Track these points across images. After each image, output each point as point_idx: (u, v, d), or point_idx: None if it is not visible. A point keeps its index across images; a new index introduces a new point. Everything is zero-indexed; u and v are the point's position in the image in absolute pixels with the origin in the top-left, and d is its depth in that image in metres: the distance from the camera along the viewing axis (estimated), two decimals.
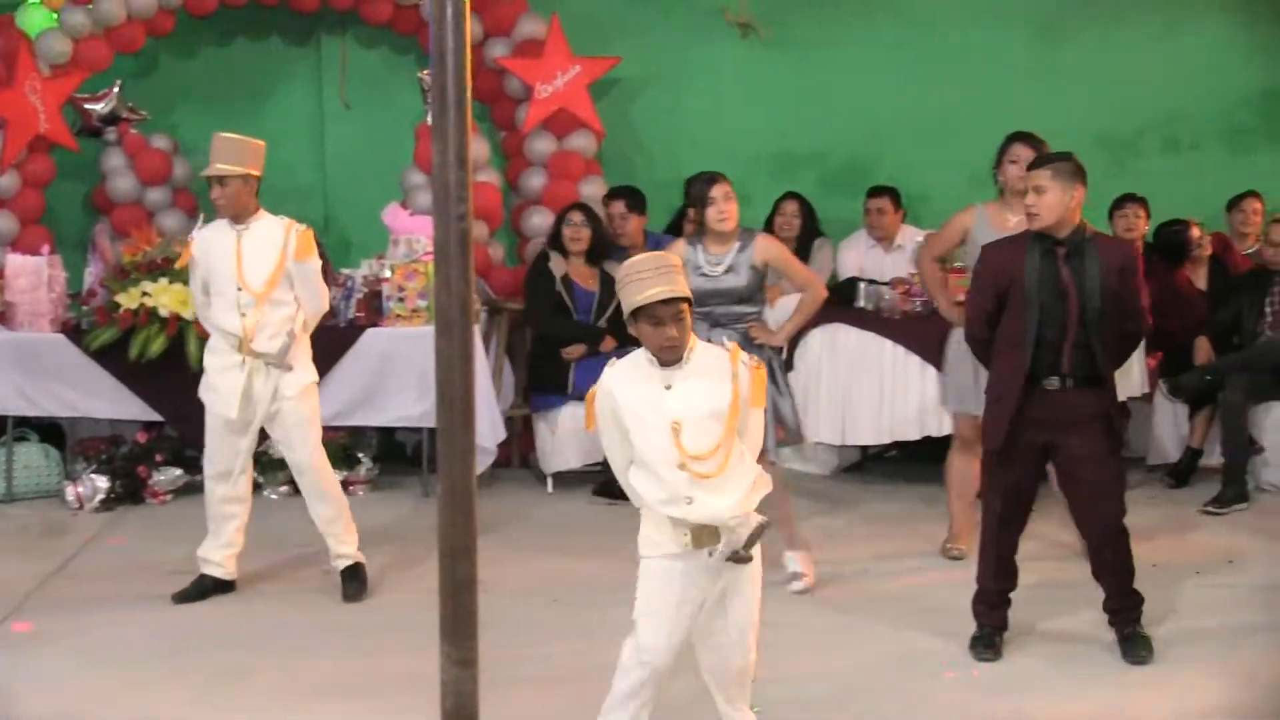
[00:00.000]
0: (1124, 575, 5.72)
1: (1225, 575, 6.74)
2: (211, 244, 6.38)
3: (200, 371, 6.54)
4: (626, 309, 4.13)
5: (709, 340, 6.42)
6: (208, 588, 6.47)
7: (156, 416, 8.13)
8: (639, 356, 4.19)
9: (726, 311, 6.46)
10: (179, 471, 8.18)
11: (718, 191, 6.42)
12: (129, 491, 8.11)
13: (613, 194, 8.90)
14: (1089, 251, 5.51)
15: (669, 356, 4.11)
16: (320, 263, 6.48)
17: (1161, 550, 7.07)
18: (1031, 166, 5.67)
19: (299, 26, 9.71)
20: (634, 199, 8.78)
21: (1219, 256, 8.89)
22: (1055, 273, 5.49)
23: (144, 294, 7.93)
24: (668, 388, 4.11)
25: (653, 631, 4.24)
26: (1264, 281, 8.30)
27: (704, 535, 4.13)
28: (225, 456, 6.42)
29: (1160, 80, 9.87)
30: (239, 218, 6.31)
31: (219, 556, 6.49)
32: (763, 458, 6.48)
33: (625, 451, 4.21)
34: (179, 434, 8.13)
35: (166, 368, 7.89)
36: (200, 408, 6.47)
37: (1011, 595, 5.77)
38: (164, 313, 7.90)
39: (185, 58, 9.75)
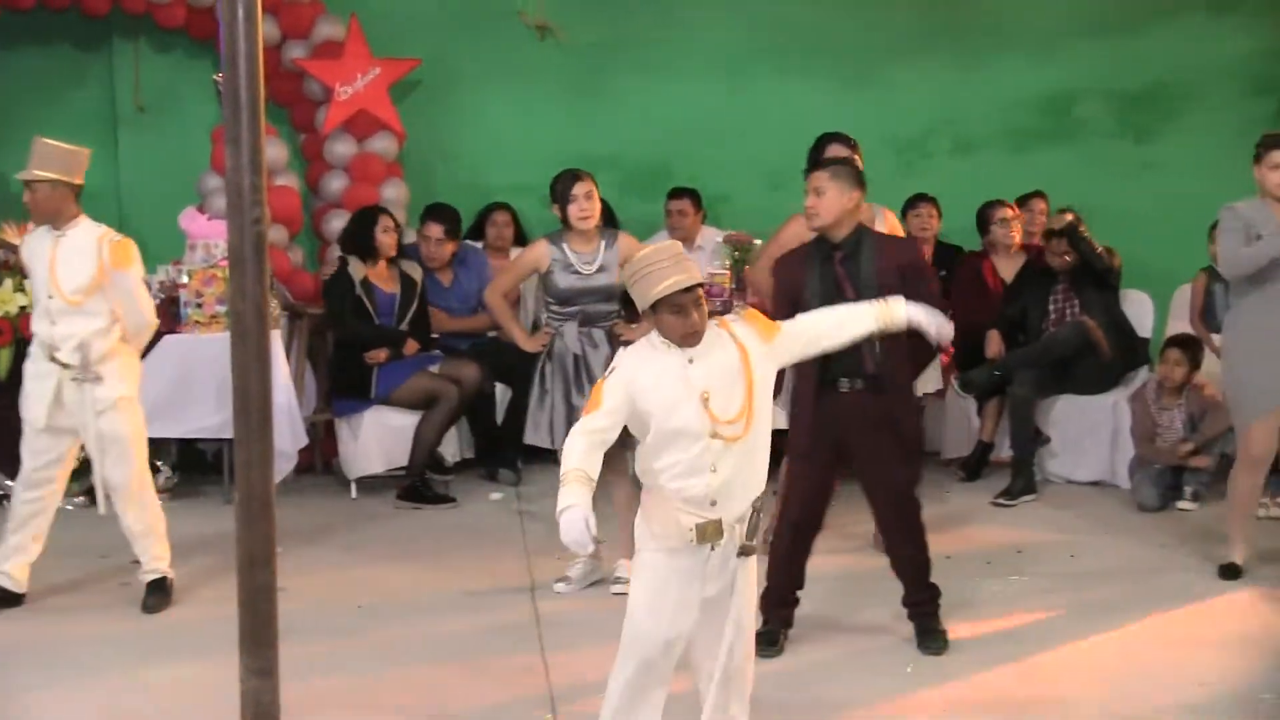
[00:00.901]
0: (921, 569, 5.85)
1: (1015, 565, 6.93)
2: (34, 249, 6.32)
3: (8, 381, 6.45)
4: (645, 301, 4.13)
5: (581, 340, 6.48)
6: None
7: None
8: (651, 340, 4.21)
9: (597, 309, 6.52)
10: None
11: (580, 189, 6.46)
12: None
13: (432, 215, 8.80)
14: (865, 252, 5.63)
15: (692, 342, 4.15)
16: (142, 273, 6.37)
17: (954, 542, 7.25)
18: (809, 170, 5.79)
19: (90, 31, 9.48)
20: (453, 224, 8.74)
21: (1037, 253, 9.02)
22: (833, 276, 5.61)
23: None
24: (690, 362, 4.14)
25: (650, 623, 4.21)
26: (1045, 280, 8.55)
27: (709, 530, 4.14)
28: (35, 462, 6.29)
29: (945, 83, 10.12)
30: (55, 223, 6.22)
31: (9, 565, 6.32)
32: (621, 467, 6.51)
33: (604, 424, 4.14)
34: None
35: None
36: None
37: (799, 595, 5.86)
38: None
39: None
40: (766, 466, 4.23)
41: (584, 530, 3.99)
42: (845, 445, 5.70)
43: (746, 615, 4.31)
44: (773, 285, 6.02)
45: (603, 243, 6.53)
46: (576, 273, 6.47)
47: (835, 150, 6.74)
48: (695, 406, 4.08)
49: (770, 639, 5.75)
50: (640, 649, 4.24)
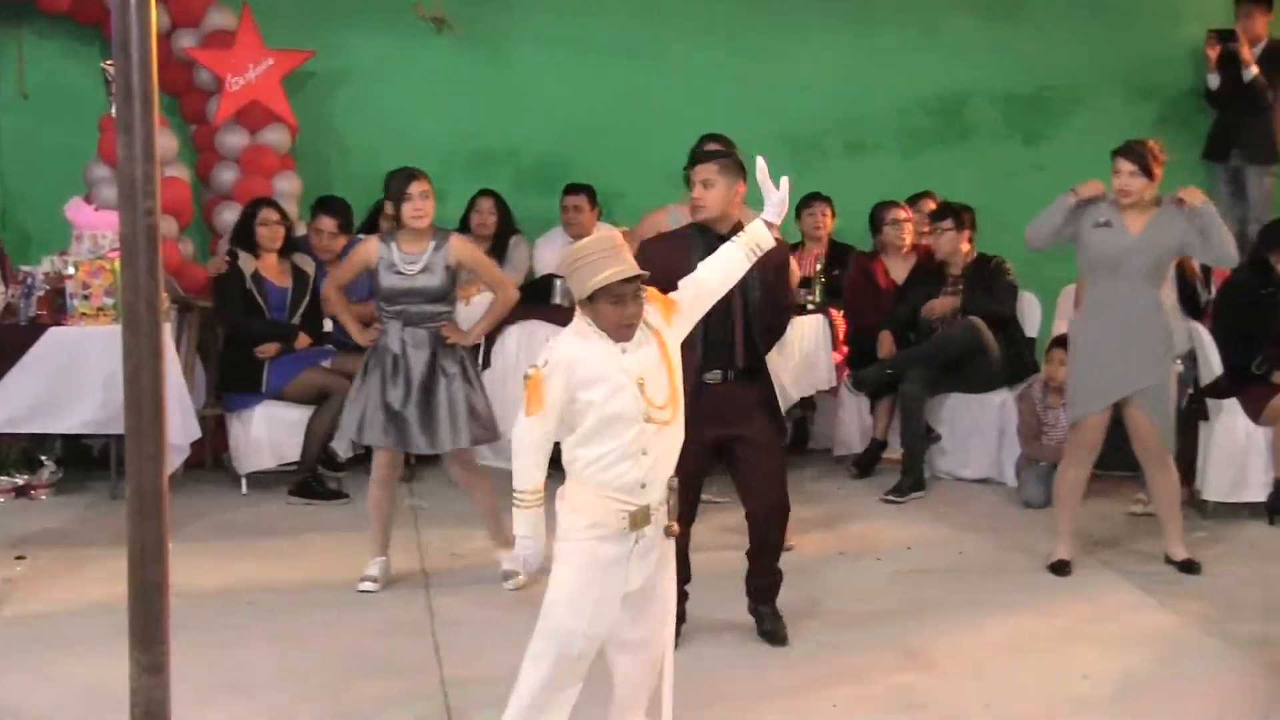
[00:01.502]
0: (775, 553, 5.92)
1: (905, 561, 7.02)
2: None
3: None
4: (583, 291, 4.11)
5: (403, 339, 6.43)
6: None
7: None
8: (580, 330, 4.18)
9: (420, 311, 6.43)
10: None
11: (415, 189, 6.39)
12: None
13: (323, 208, 8.69)
14: None
15: (627, 335, 4.15)
16: None
17: (847, 539, 7.34)
18: (695, 162, 5.81)
19: None
20: (345, 218, 8.66)
21: (927, 252, 9.12)
22: None
23: None
24: (623, 350, 4.15)
25: (571, 617, 4.20)
26: (936, 278, 8.64)
27: (639, 516, 4.16)
28: None
29: (842, 83, 10.21)
30: None
31: None
32: (472, 457, 6.53)
33: (552, 423, 4.17)
34: None
35: None
36: None
37: (687, 589, 5.89)
38: None
39: None
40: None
41: (541, 562, 4.25)
42: (717, 437, 5.73)
43: (669, 605, 4.35)
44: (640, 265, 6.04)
45: (432, 244, 6.45)
46: (399, 273, 6.40)
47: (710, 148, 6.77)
48: (633, 392, 4.11)
49: None
50: (558, 643, 4.24)
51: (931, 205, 9.34)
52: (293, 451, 8.12)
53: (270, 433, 8.15)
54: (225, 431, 8.39)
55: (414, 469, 8.35)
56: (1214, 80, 10.11)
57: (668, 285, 5.63)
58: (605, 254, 4.10)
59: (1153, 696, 5.31)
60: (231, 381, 8.26)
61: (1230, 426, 7.63)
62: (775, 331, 6.05)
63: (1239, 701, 5.26)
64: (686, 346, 5.56)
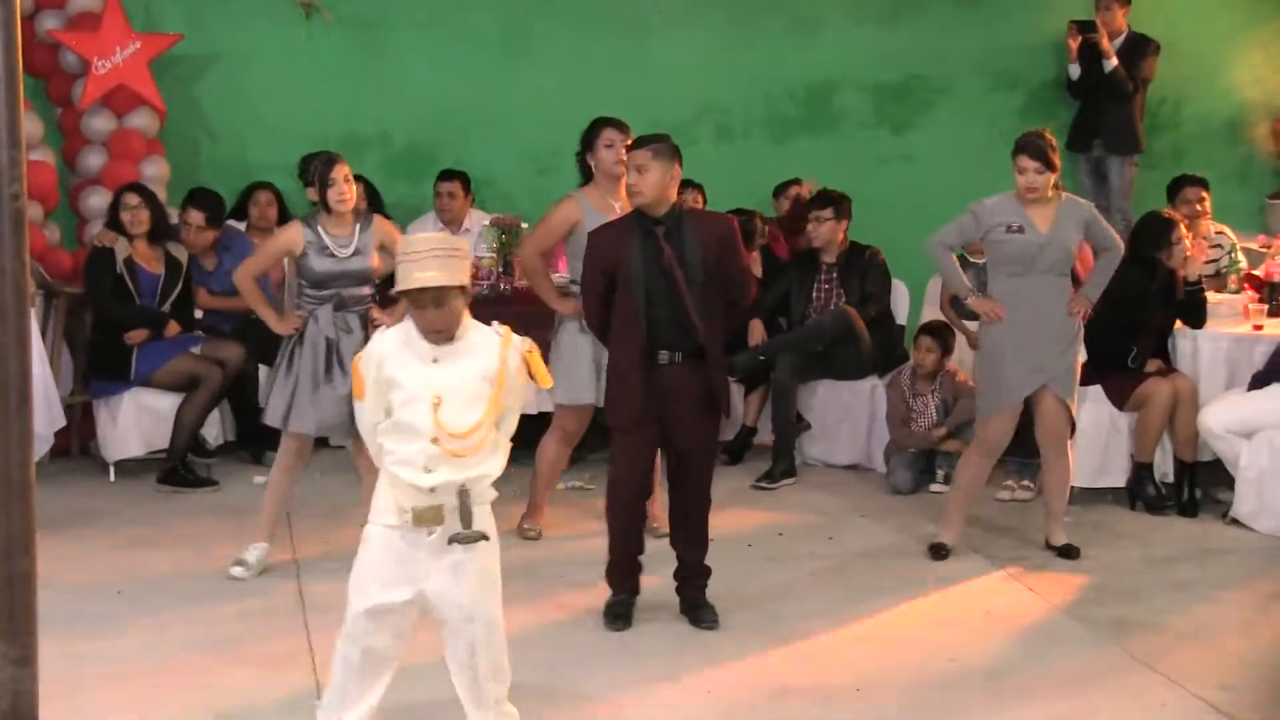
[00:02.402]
0: (703, 544, 6.00)
1: (776, 547, 7.10)
2: None
3: None
4: (396, 286, 4.07)
5: (335, 324, 6.39)
6: None
7: None
8: (406, 326, 4.14)
9: (351, 293, 6.42)
10: None
11: (339, 173, 6.37)
12: None
13: (193, 202, 8.58)
14: (687, 228, 5.76)
15: (435, 340, 4.09)
16: None
17: (717, 525, 7.30)
18: (631, 148, 5.88)
19: None
20: (215, 212, 8.55)
21: (767, 244, 9.31)
22: (658, 251, 5.70)
23: None
24: (434, 361, 4.07)
25: (356, 597, 4.18)
26: (811, 266, 8.73)
27: (426, 515, 4.09)
28: None
29: (711, 71, 10.27)
30: None
31: None
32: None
33: (378, 413, 4.15)
34: None
35: None
36: None
37: (642, 560, 5.97)
38: None
39: None
40: (497, 470, 4.21)
41: None
42: (665, 415, 5.80)
43: (485, 610, 4.28)
44: (584, 257, 6.08)
45: (357, 225, 6.44)
46: (332, 255, 6.38)
47: (609, 135, 6.79)
48: (424, 409, 4.04)
49: (621, 612, 5.88)
50: (347, 624, 4.24)
51: (801, 192, 9.45)
52: (161, 439, 8.02)
53: (139, 420, 8.04)
54: (92, 419, 8.27)
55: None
56: (1075, 71, 10.32)
57: (612, 272, 5.73)
58: (428, 257, 4.03)
59: (1018, 678, 5.42)
60: (99, 368, 8.13)
61: (1095, 413, 7.78)
62: (736, 306, 6.11)
63: (1099, 682, 5.39)
64: (630, 325, 5.66)
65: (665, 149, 5.78)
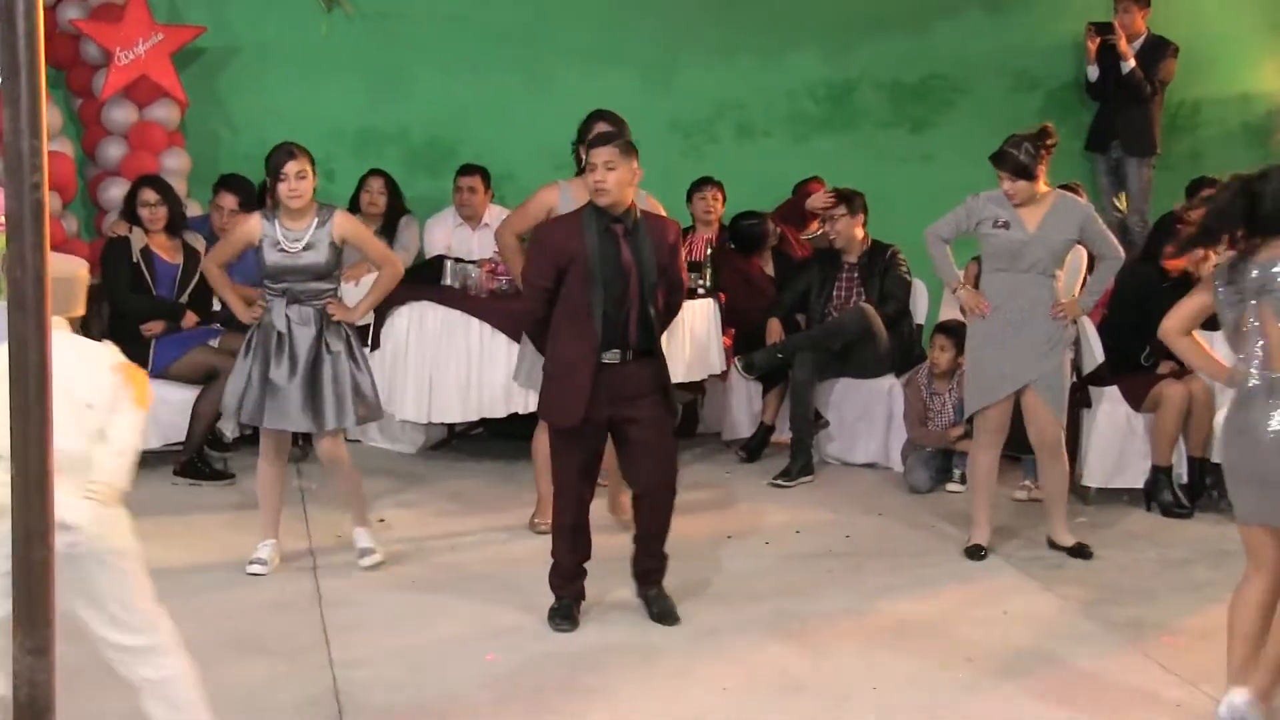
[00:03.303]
0: (662, 537, 5.96)
1: (793, 544, 7.09)
2: None
3: None
4: None
5: (288, 317, 6.36)
6: None
7: None
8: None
9: (305, 288, 6.38)
10: None
11: (291, 168, 6.29)
12: None
13: (227, 186, 8.60)
14: (641, 229, 5.75)
15: None
16: None
17: (735, 522, 7.39)
18: (594, 144, 5.81)
19: None
20: (248, 196, 8.56)
21: (780, 244, 9.30)
22: (616, 250, 5.68)
23: None
24: None
25: None
26: (832, 264, 8.72)
27: None
28: None
29: (731, 69, 10.26)
30: None
31: None
32: (338, 435, 6.51)
33: None
34: None
35: None
36: None
37: (586, 566, 5.94)
38: None
39: None
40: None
41: None
42: (614, 415, 5.78)
43: (110, 615, 4.17)
44: (530, 249, 6.08)
45: (315, 220, 6.40)
46: (283, 250, 6.34)
47: (603, 128, 6.77)
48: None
49: (566, 614, 5.85)
50: None
51: (820, 190, 9.45)
52: (178, 431, 8.02)
53: (155, 412, 7.97)
54: None
55: (304, 450, 8.29)
56: (1093, 72, 10.30)
57: (565, 267, 5.70)
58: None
59: (1034, 678, 5.41)
60: None
61: (1111, 414, 7.78)
62: (672, 310, 6.10)
63: (1116, 682, 5.38)
64: (581, 323, 5.63)
65: (629, 147, 5.74)
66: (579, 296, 5.69)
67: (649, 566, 5.98)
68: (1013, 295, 6.74)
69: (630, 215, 5.74)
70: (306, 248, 6.36)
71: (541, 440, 7.05)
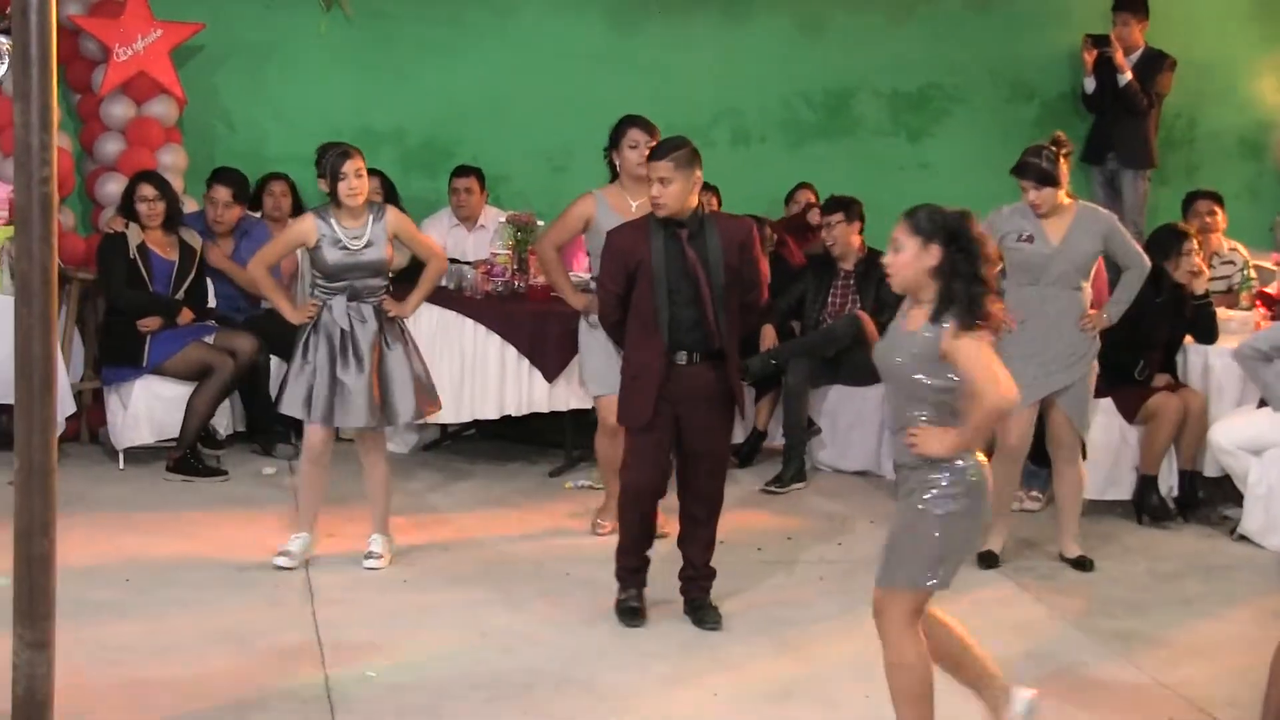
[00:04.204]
0: (710, 547, 6.03)
1: (785, 551, 7.10)
2: None
3: None
4: None
5: (349, 314, 6.39)
6: None
7: None
8: None
9: (364, 285, 6.45)
10: None
11: (350, 167, 6.39)
12: None
13: (219, 179, 8.62)
14: (709, 231, 5.79)
15: None
16: None
17: (726, 528, 7.29)
18: (651, 158, 5.86)
19: None
20: (240, 188, 8.58)
21: (777, 250, 9.30)
22: (680, 253, 5.74)
23: None
24: None
25: None
26: (828, 272, 8.72)
27: None
28: None
29: (729, 75, 10.26)
30: None
31: None
32: (383, 436, 6.50)
33: None
34: None
35: None
36: None
37: (649, 555, 6.00)
38: None
39: None
40: None
41: None
42: (681, 416, 5.83)
43: None
44: (602, 254, 6.11)
45: (370, 217, 6.47)
46: (344, 248, 6.41)
47: (634, 135, 6.80)
48: None
49: (634, 608, 5.93)
50: None
51: (811, 196, 9.47)
52: (172, 427, 8.01)
53: (149, 408, 8.03)
54: (103, 406, 8.27)
55: (296, 446, 8.30)
56: (1090, 84, 10.31)
57: (633, 271, 5.74)
58: None
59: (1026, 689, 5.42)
60: (111, 355, 8.13)
61: (1105, 426, 7.78)
62: (751, 308, 6.15)
63: (1107, 695, 5.39)
64: (649, 326, 5.67)
65: (685, 157, 5.76)
66: (647, 300, 5.77)
67: (693, 575, 6.04)
68: (1039, 310, 6.74)
69: (695, 219, 5.77)
70: (368, 244, 6.43)
71: (603, 442, 7.04)
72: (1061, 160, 6.67)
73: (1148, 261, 6.98)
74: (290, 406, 6.53)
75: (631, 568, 5.98)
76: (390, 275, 6.65)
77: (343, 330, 6.41)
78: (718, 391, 5.87)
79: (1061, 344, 6.75)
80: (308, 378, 6.41)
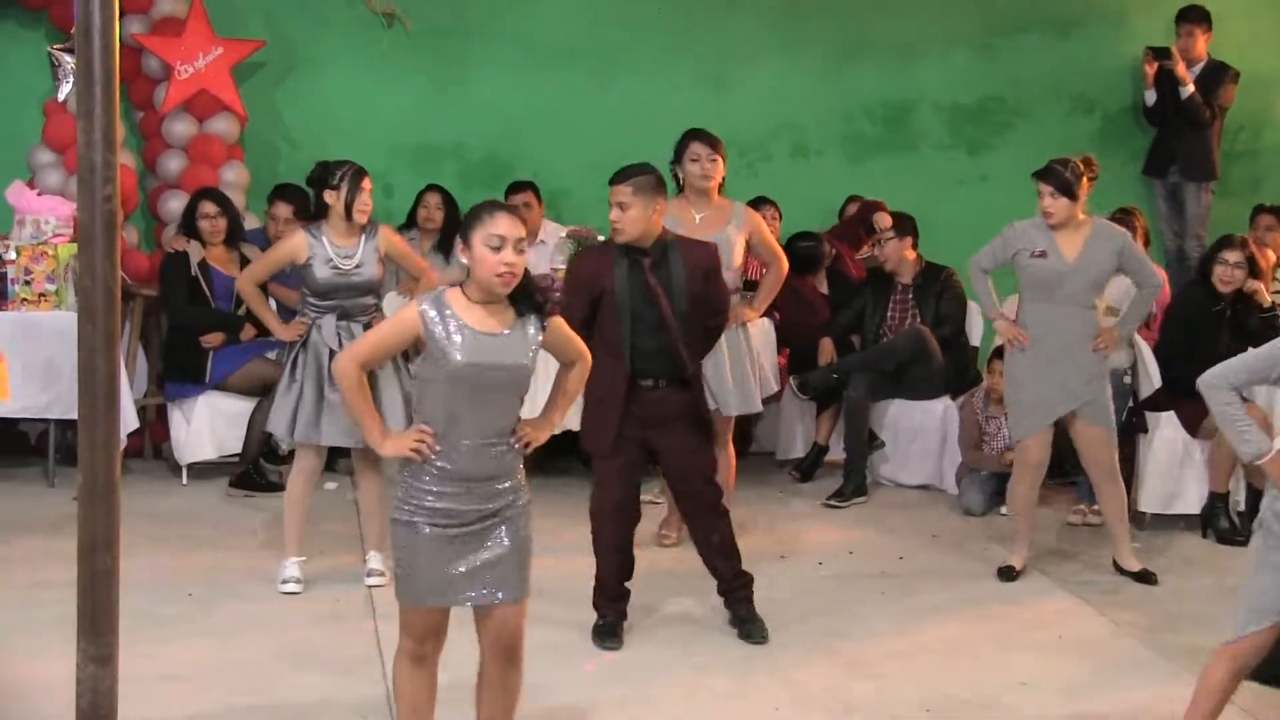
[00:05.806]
0: (731, 557, 5.99)
1: (846, 564, 7.06)
2: None
3: None
4: None
5: (339, 333, 6.38)
6: None
7: None
8: None
9: (355, 304, 6.43)
10: None
11: (367, 184, 6.43)
12: None
13: (280, 195, 8.64)
14: (673, 258, 5.75)
15: None
16: None
17: (788, 542, 7.37)
18: (612, 182, 5.77)
19: None
20: (302, 205, 8.58)
21: (835, 264, 9.28)
22: (643, 281, 5.70)
23: None
24: None
25: None
26: (885, 286, 8.69)
27: None
28: None
29: (788, 88, 10.25)
30: None
31: None
32: (373, 460, 6.49)
33: None
34: None
35: None
36: None
37: (629, 585, 5.95)
38: None
39: None
40: None
41: None
42: (648, 440, 5.82)
43: None
44: (565, 282, 6.12)
45: (362, 236, 6.44)
46: (335, 267, 6.36)
47: (696, 149, 6.81)
48: None
49: (610, 631, 5.85)
50: None
51: (857, 208, 9.43)
52: (235, 443, 8.07)
53: (212, 423, 8.09)
54: (166, 421, 8.34)
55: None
56: (1151, 97, 10.23)
57: (596, 298, 5.73)
58: None
59: (1089, 703, 5.37)
60: (174, 371, 8.20)
61: (1168, 439, 7.72)
62: (713, 333, 6.15)
63: (1175, 711, 5.32)
64: (613, 352, 5.65)
65: (646, 183, 5.69)
66: (610, 328, 5.75)
67: (727, 588, 6.01)
68: (1051, 328, 6.71)
69: (658, 246, 5.75)
70: (359, 264, 6.40)
71: None
72: (1085, 179, 6.63)
73: (1160, 279, 6.95)
74: (275, 426, 6.51)
75: (610, 597, 5.93)
76: (379, 296, 6.64)
77: (332, 351, 6.29)
78: (681, 412, 5.83)
79: (1075, 364, 6.71)
80: (293, 398, 6.39)
